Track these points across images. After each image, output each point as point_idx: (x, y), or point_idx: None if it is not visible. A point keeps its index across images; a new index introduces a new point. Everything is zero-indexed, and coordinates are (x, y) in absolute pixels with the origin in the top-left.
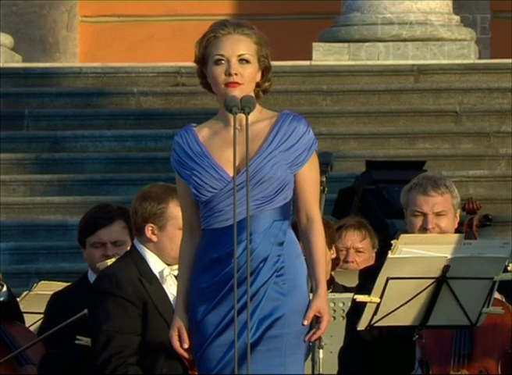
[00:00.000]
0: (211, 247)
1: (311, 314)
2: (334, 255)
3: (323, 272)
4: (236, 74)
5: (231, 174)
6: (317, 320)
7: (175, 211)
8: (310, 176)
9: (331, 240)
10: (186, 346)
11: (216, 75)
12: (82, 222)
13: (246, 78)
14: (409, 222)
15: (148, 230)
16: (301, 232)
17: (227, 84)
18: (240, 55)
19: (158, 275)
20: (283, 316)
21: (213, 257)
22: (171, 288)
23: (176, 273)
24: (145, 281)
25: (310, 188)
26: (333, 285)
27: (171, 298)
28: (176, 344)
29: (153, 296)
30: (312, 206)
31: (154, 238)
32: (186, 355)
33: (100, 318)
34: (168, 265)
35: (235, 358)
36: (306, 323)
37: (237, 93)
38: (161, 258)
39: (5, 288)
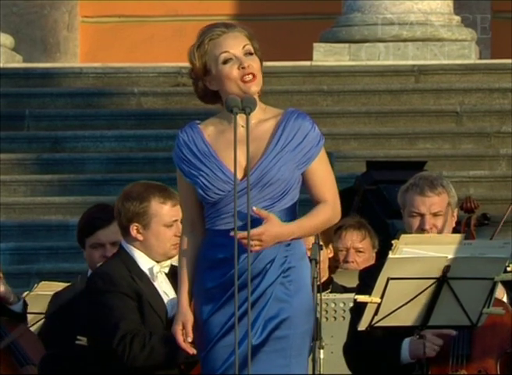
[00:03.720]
0: (215, 247)
1: (262, 213)
2: (331, 255)
3: (305, 224)
4: (248, 66)
5: (239, 176)
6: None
7: (157, 208)
8: (320, 171)
9: (328, 238)
10: (190, 340)
11: (228, 72)
12: (80, 222)
13: (256, 69)
14: (406, 222)
15: (133, 229)
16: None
17: (244, 80)
18: (244, 48)
19: (148, 272)
20: (289, 317)
21: (218, 257)
22: (162, 285)
23: (166, 269)
24: (136, 279)
25: (322, 180)
26: (332, 285)
27: (162, 295)
28: (180, 338)
29: (146, 292)
30: (325, 194)
31: (139, 237)
32: (189, 350)
33: (101, 314)
34: (158, 262)
35: (237, 360)
36: (254, 209)
37: (255, 88)
38: (150, 256)
39: (21, 301)
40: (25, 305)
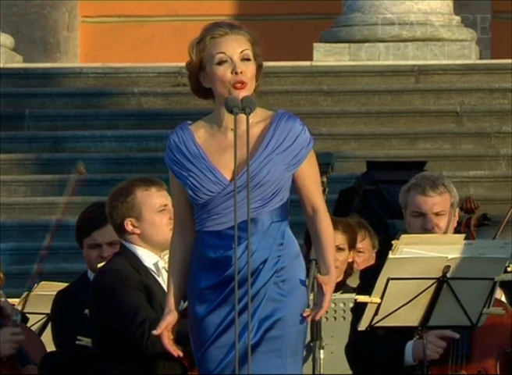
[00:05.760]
0: (207, 248)
1: (322, 279)
2: (351, 259)
3: (332, 256)
4: (241, 72)
5: (228, 178)
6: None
7: (143, 197)
8: (310, 173)
9: (353, 241)
10: (156, 331)
11: (221, 75)
12: (77, 223)
13: (249, 76)
14: (408, 222)
15: (128, 224)
16: (308, 222)
17: (234, 86)
18: (241, 52)
19: (153, 268)
20: (284, 316)
21: (210, 258)
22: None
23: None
24: (143, 274)
25: (311, 184)
26: (344, 288)
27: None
28: (166, 340)
29: (153, 287)
30: (316, 199)
31: (136, 230)
32: (175, 352)
33: (115, 307)
34: (161, 251)
35: (235, 359)
36: (318, 277)
37: (243, 94)
38: (151, 248)
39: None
40: (23, 318)
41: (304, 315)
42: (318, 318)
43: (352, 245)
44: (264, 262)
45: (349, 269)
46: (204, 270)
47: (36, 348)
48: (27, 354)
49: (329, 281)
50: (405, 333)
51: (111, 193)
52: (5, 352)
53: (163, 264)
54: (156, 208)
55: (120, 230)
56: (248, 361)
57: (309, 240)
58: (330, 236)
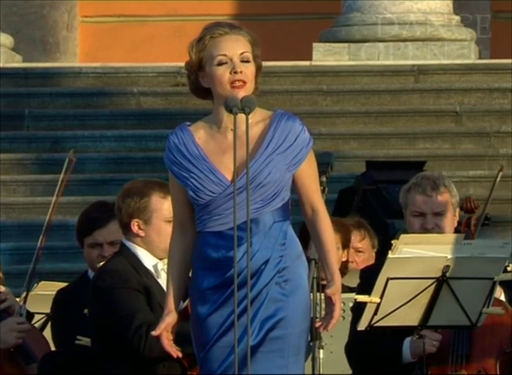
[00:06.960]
0: (209, 248)
1: (333, 298)
2: (345, 259)
3: (335, 260)
4: (241, 72)
5: (229, 178)
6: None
7: (158, 203)
8: (309, 172)
9: (346, 241)
10: (163, 338)
11: (220, 75)
12: (79, 222)
13: (249, 77)
14: (408, 222)
15: (134, 225)
16: (308, 224)
17: (233, 85)
18: (241, 54)
19: (152, 269)
20: (286, 316)
21: (212, 258)
22: (165, 283)
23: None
24: (143, 275)
25: (311, 183)
26: None
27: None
28: (165, 341)
29: (153, 288)
30: (315, 198)
31: (141, 233)
32: (174, 353)
33: (114, 309)
34: (160, 259)
35: (236, 360)
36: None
37: (242, 94)
38: (151, 253)
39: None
40: (29, 315)
41: (316, 326)
42: (330, 329)
43: (346, 245)
44: (266, 262)
45: (343, 269)
46: (206, 271)
47: (40, 347)
48: (32, 352)
49: (336, 291)
50: (404, 332)
51: (125, 189)
52: (10, 342)
53: (162, 266)
54: (166, 218)
55: (125, 228)
56: (248, 362)
57: (304, 237)
58: (331, 239)
